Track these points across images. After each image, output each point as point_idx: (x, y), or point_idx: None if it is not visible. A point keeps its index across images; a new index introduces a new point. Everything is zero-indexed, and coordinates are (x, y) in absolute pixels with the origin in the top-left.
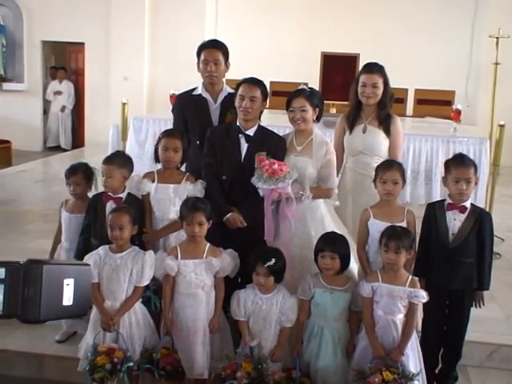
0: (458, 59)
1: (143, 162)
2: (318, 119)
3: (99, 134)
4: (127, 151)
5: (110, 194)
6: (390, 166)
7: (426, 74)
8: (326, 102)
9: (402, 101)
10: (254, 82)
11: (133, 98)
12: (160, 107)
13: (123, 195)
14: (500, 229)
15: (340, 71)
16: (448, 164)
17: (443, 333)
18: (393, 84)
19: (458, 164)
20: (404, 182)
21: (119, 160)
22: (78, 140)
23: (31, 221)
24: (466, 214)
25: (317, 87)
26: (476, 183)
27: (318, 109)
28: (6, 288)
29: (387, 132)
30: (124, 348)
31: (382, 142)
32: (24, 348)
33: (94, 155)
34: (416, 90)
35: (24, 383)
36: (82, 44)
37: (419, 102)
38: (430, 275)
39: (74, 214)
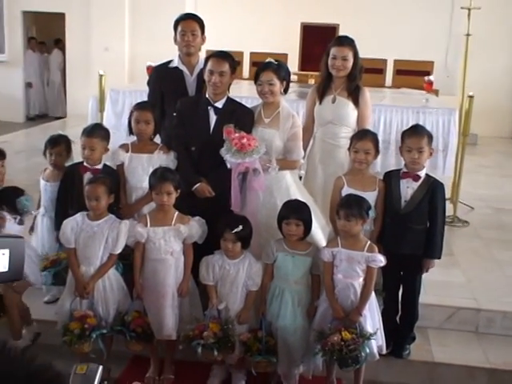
0: (437, 29)
1: (120, 134)
2: (285, 91)
3: (80, 104)
4: (104, 122)
5: (86, 165)
6: (363, 136)
7: (405, 44)
8: (304, 72)
9: (380, 71)
10: (222, 56)
11: (114, 69)
12: (140, 78)
13: (99, 166)
14: (471, 198)
15: (319, 42)
16: (403, 134)
17: (398, 296)
18: (372, 55)
19: (411, 134)
20: (377, 152)
21: (101, 133)
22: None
23: None
24: (420, 182)
25: (296, 58)
26: (431, 154)
27: (285, 82)
28: None
29: (356, 103)
30: (99, 314)
31: (350, 112)
32: None
33: (75, 126)
34: (395, 61)
35: None
36: (63, 14)
37: (398, 72)
38: (382, 240)
39: (49, 183)
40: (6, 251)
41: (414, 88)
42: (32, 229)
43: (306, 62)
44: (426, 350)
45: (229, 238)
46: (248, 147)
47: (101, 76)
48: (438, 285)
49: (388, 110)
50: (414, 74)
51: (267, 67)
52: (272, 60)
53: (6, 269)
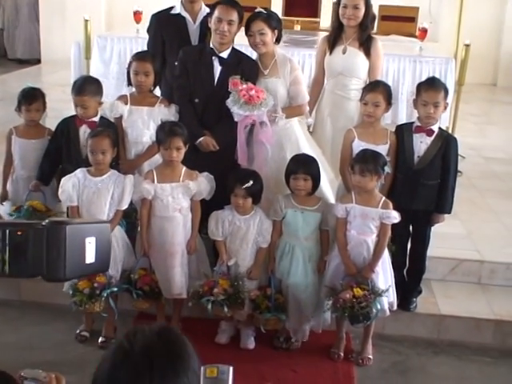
0: None
1: (109, 82)
2: (277, 41)
3: (56, 50)
4: (92, 71)
5: (81, 118)
6: (374, 88)
7: None
8: (289, 18)
9: None
10: (231, 4)
11: (90, 12)
12: (121, 24)
13: (96, 119)
14: (461, 147)
15: None
16: (419, 87)
17: (407, 250)
18: None
19: (428, 87)
20: (389, 104)
21: (92, 88)
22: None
23: None
24: (433, 137)
25: (280, 2)
26: (445, 108)
27: (276, 30)
28: (30, 248)
29: (367, 54)
30: (107, 272)
31: (361, 63)
32: None
33: (53, 72)
34: (380, 7)
35: (3, 305)
36: None
37: (383, 18)
38: (394, 195)
39: (28, 140)
40: (93, 239)
41: (402, 34)
42: (5, 198)
43: (291, 8)
44: (432, 302)
45: (239, 194)
46: (256, 99)
47: (86, 21)
48: (439, 236)
49: (384, 59)
50: (399, 20)
51: (257, 17)
52: (261, 9)
53: (92, 260)
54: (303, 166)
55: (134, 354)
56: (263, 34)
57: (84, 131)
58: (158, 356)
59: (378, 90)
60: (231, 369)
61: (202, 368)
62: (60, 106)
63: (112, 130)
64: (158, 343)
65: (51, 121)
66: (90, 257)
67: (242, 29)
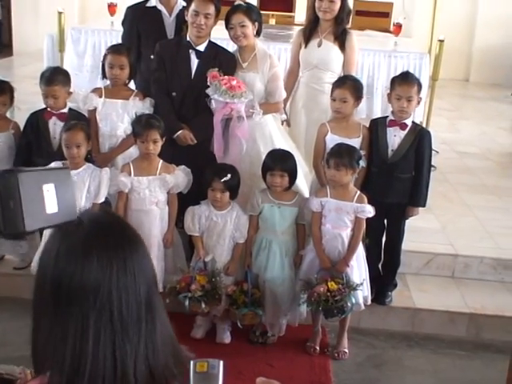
0: None
1: (83, 75)
2: (258, 33)
3: (29, 42)
4: (65, 63)
5: (50, 110)
6: (340, 84)
7: None
8: (265, 12)
9: None
10: None
11: (64, 4)
12: (95, 16)
13: (65, 111)
14: (434, 141)
15: None
16: (393, 81)
17: (382, 244)
18: None
19: (401, 82)
20: (357, 99)
21: (60, 78)
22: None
23: None
24: (407, 131)
25: None
26: (419, 102)
27: (257, 23)
28: None
29: (342, 47)
30: None
31: (335, 56)
32: None
33: (25, 65)
34: (355, 1)
35: None
36: None
37: (358, 13)
38: (369, 189)
39: None
40: (51, 186)
41: (376, 30)
42: None
43: (266, 1)
44: (407, 296)
45: (217, 188)
46: (238, 89)
47: (60, 13)
48: (413, 230)
49: (360, 54)
50: (373, 16)
51: (237, 9)
52: (241, 2)
53: (55, 209)
54: (280, 162)
55: (84, 226)
56: (244, 26)
57: (54, 123)
58: (108, 227)
59: (344, 86)
60: (221, 363)
61: (192, 362)
62: (32, 99)
63: (84, 122)
64: (106, 217)
65: (23, 113)
66: (52, 206)
67: (219, 22)
